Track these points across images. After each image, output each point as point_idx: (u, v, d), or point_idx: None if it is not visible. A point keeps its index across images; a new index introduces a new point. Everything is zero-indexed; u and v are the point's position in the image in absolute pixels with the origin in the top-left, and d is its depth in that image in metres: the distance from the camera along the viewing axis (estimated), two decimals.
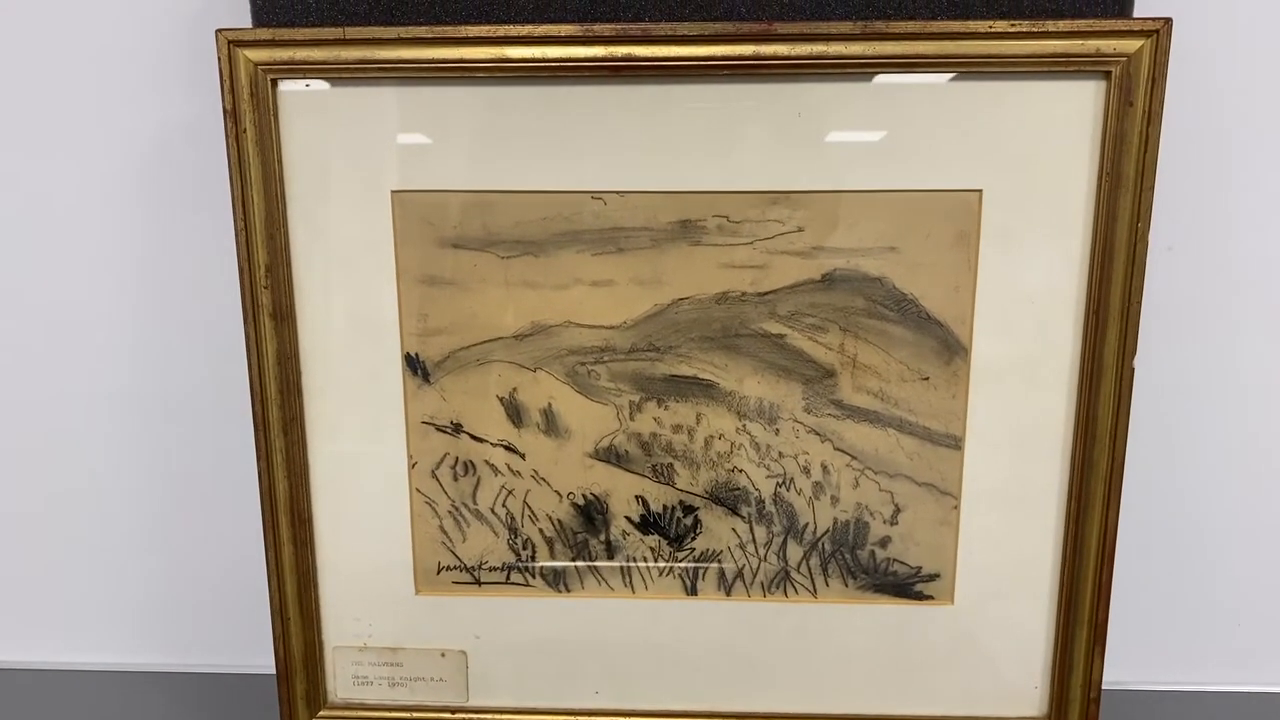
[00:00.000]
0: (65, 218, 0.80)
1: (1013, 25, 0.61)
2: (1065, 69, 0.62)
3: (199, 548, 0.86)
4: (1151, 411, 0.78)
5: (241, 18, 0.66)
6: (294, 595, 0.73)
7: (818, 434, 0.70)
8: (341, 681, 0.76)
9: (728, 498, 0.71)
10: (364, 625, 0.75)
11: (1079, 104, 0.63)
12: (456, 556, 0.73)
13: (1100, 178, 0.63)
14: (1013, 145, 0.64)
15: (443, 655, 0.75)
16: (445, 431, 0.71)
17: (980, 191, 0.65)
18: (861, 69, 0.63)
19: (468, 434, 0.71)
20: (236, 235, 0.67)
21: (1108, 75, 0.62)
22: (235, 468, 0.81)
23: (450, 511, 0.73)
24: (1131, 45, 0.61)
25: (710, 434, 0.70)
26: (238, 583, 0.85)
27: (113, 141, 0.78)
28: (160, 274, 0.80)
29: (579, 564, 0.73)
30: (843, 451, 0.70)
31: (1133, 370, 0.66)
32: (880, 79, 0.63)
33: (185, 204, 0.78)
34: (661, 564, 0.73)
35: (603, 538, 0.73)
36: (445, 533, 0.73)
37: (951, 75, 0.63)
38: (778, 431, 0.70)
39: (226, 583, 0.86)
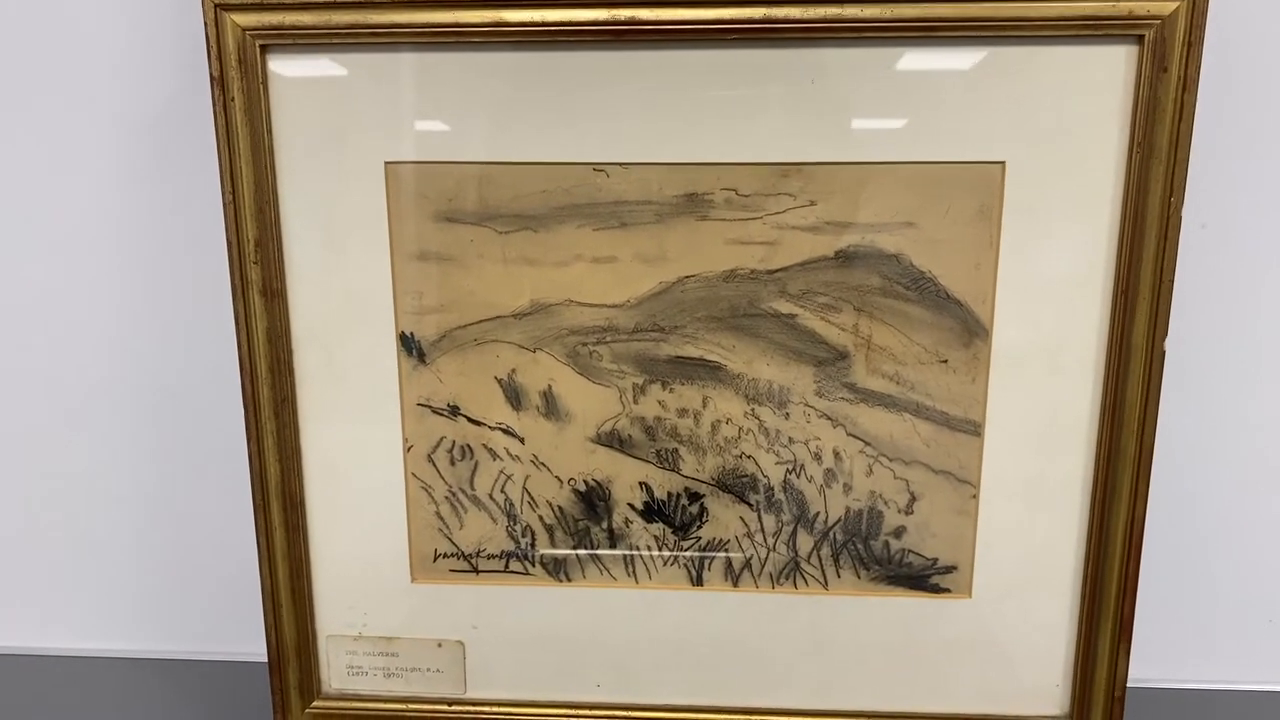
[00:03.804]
0: (47, 194, 0.77)
1: None
2: (1095, 32, 0.59)
3: (192, 532, 0.84)
4: (1183, 397, 0.75)
5: None
6: (286, 582, 0.71)
7: (830, 419, 0.67)
8: (335, 671, 0.73)
9: (735, 485, 0.69)
10: (358, 614, 0.72)
11: (1109, 70, 0.60)
12: (453, 544, 0.71)
13: (1131, 149, 0.60)
14: (1038, 115, 0.61)
15: (439, 645, 0.72)
16: (441, 414, 0.68)
17: (1003, 164, 0.62)
18: (879, 33, 0.60)
19: (465, 417, 0.68)
20: (225, 209, 0.64)
21: (1140, 39, 0.59)
22: (228, 450, 0.79)
23: (447, 497, 0.70)
24: (1167, 7, 0.58)
25: (717, 418, 0.67)
26: (232, 568, 0.83)
27: (97, 113, 0.75)
28: (147, 251, 0.78)
29: (580, 552, 0.71)
30: (856, 437, 0.67)
31: (1163, 353, 0.63)
32: (898, 44, 0.60)
33: (173, 177, 0.76)
34: (666, 553, 0.70)
35: (605, 525, 0.70)
36: (442, 519, 0.71)
37: (974, 40, 0.60)
38: (788, 416, 0.67)
39: (220, 568, 0.84)
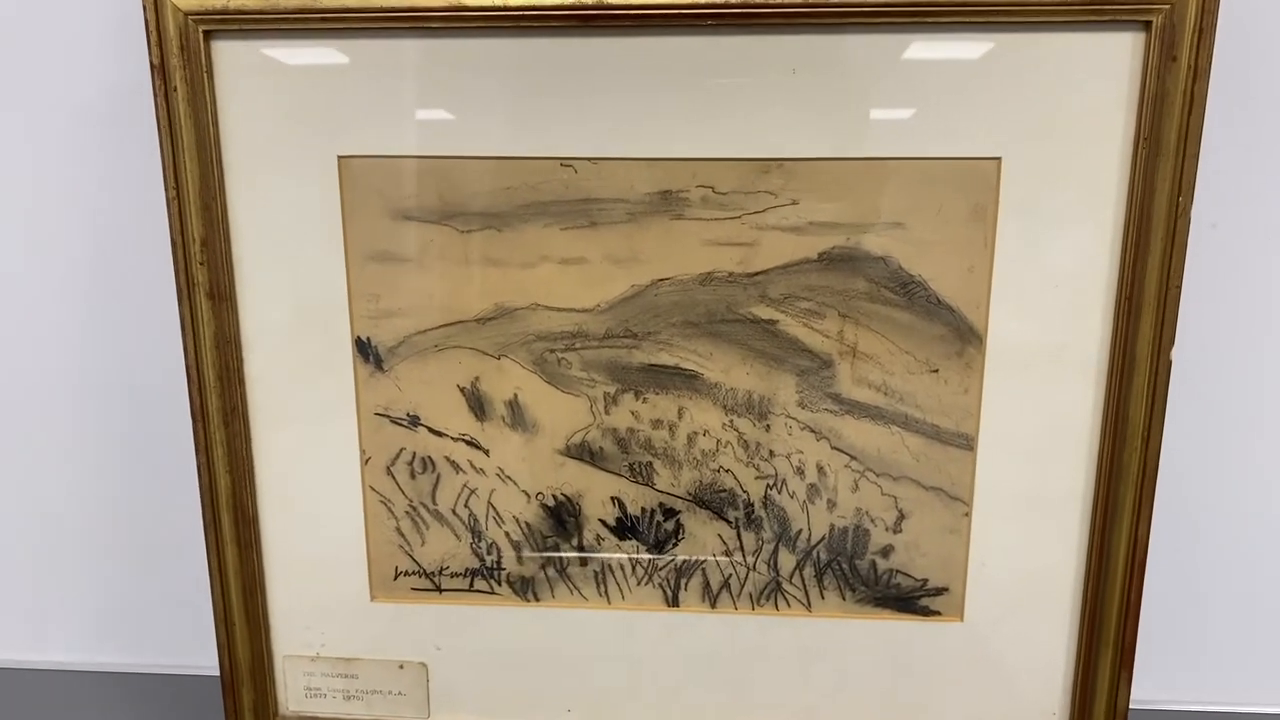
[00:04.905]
0: None
1: None
2: (1098, 18, 0.55)
3: (148, 541, 0.81)
4: (1189, 409, 0.71)
5: None
6: (239, 600, 0.67)
7: (813, 431, 0.63)
8: (293, 693, 0.70)
9: (713, 500, 0.65)
10: (316, 633, 0.69)
11: (1113, 59, 0.56)
12: (415, 561, 0.67)
13: (1137, 144, 0.57)
14: (1036, 107, 0.57)
15: (401, 667, 0.69)
16: (401, 424, 0.65)
17: (999, 160, 0.58)
18: (864, 19, 0.56)
19: (426, 427, 0.65)
20: (168, 205, 0.61)
21: (1148, 25, 0.55)
22: (182, 458, 0.75)
23: (407, 512, 0.66)
24: None
25: (694, 430, 0.64)
26: (189, 579, 0.79)
27: (35, 104, 0.72)
28: (90, 251, 0.74)
29: (549, 571, 0.67)
30: (841, 451, 0.63)
31: (1170, 363, 0.59)
32: (886, 31, 0.56)
33: (116, 171, 0.72)
34: (640, 572, 0.67)
35: (575, 542, 0.66)
36: (402, 535, 0.67)
37: (968, 26, 0.56)
38: (769, 428, 0.63)
39: (177, 578, 0.81)
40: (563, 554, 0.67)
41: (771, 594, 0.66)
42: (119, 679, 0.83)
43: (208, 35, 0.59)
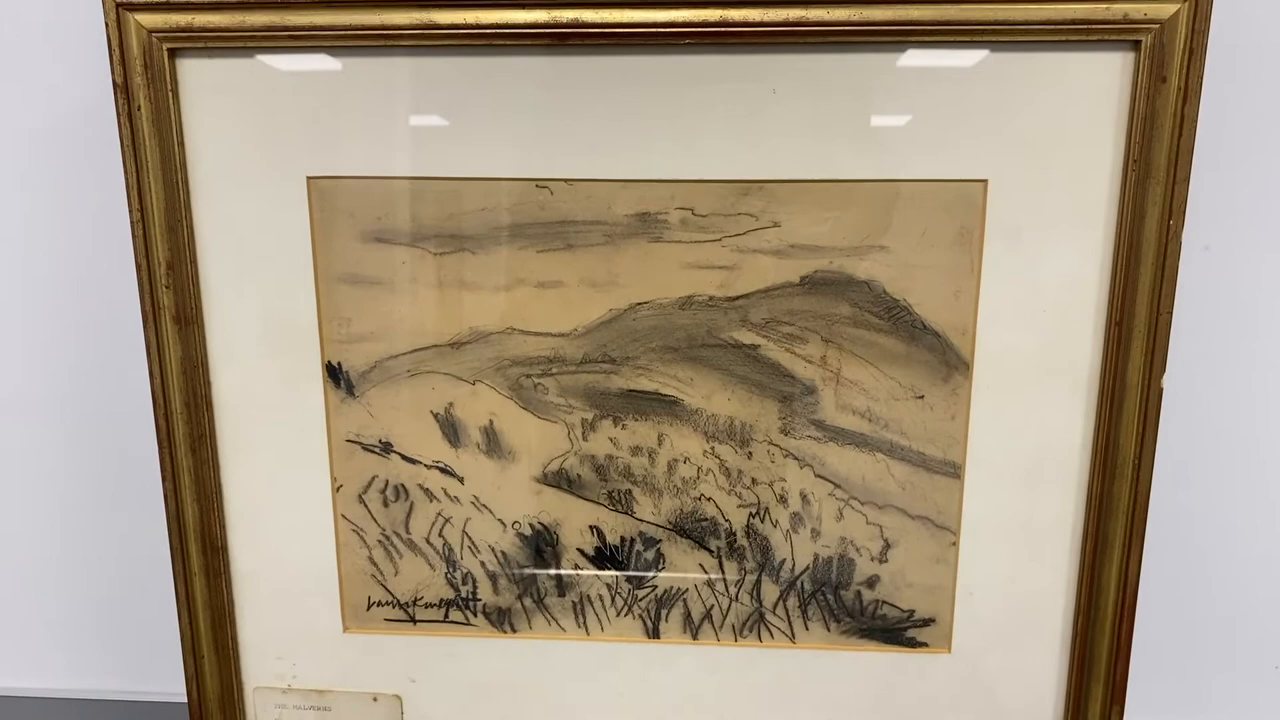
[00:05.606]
0: None
1: None
2: (1086, 38, 0.54)
3: (115, 568, 0.79)
4: (1181, 438, 0.69)
5: None
6: (208, 631, 0.66)
7: (796, 458, 0.61)
8: None
9: (694, 529, 0.63)
10: (287, 665, 0.67)
11: (1102, 79, 0.55)
12: (388, 591, 0.66)
13: (1126, 166, 0.55)
14: (1024, 129, 0.56)
15: (375, 699, 0.67)
16: (373, 451, 0.63)
17: (985, 182, 0.57)
18: (846, 38, 0.55)
19: (398, 454, 0.63)
20: (133, 228, 0.59)
21: (1137, 45, 0.54)
22: (149, 486, 0.73)
23: (380, 541, 0.65)
24: (1166, 10, 0.53)
25: (674, 457, 0.62)
26: (159, 603, 0.78)
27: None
28: (55, 273, 0.72)
29: (526, 601, 0.65)
30: (825, 479, 0.62)
31: (1161, 390, 0.58)
32: (868, 50, 0.55)
33: (81, 192, 0.71)
34: (619, 603, 0.65)
35: (553, 572, 0.65)
36: (375, 564, 0.65)
37: (952, 46, 0.55)
38: (750, 455, 0.61)
39: (148, 602, 0.79)
40: (540, 585, 0.65)
41: (754, 625, 0.65)
42: (85, 706, 0.81)
43: (172, 53, 0.57)
